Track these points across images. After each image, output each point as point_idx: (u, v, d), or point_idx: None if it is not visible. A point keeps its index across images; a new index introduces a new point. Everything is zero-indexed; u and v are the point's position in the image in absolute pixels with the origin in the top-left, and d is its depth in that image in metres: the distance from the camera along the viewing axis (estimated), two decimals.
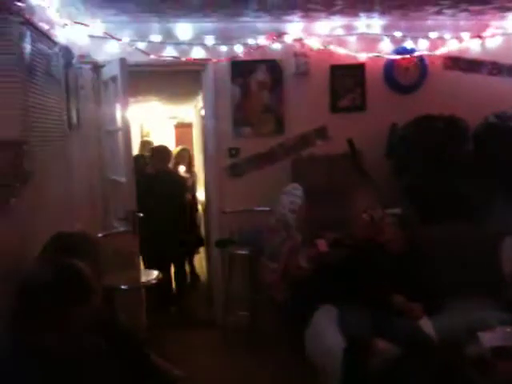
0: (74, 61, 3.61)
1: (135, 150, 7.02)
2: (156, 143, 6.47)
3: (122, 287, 3.29)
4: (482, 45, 4.83)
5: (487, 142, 4.19)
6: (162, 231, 4.91)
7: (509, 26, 4.78)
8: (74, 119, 3.64)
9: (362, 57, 4.65)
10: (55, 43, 3.27)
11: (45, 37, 3.06)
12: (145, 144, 6.73)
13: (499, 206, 3.90)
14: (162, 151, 5.40)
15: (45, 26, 3.07)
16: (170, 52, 4.35)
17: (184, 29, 4.35)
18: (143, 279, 3.53)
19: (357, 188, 4.54)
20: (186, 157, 6.13)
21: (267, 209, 4.35)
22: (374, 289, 3.36)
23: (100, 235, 3.50)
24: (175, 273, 5.36)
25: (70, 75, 3.55)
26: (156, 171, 5.23)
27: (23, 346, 1.65)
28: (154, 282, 3.45)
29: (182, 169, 5.98)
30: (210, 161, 4.75)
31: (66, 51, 3.43)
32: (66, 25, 3.65)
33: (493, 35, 4.80)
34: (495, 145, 4.10)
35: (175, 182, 5.31)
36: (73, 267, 1.77)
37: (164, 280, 4.34)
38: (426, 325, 3.21)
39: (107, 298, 2.37)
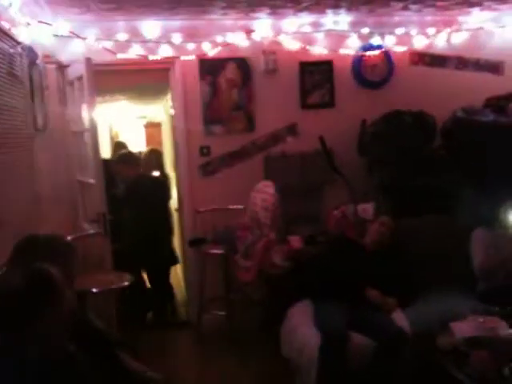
0: (39, 61, 3.53)
1: (107, 152, 6.90)
2: (128, 144, 6.19)
3: (94, 290, 3.22)
4: (448, 40, 4.90)
5: (455, 136, 4.25)
6: (139, 242, 4.65)
7: (474, 21, 4.85)
8: (40, 120, 3.56)
9: (330, 53, 4.67)
10: (18, 43, 3.19)
11: (7, 36, 2.99)
12: (119, 145, 6.18)
13: (469, 199, 3.96)
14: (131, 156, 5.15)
15: (6, 25, 2.99)
16: (136, 50, 4.29)
17: (150, 27, 4.30)
18: (115, 282, 3.47)
19: (329, 184, 4.57)
20: (156, 159, 5.41)
21: (240, 207, 4.34)
22: (348, 284, 3.37)
23: (70, 238, 3.43)
24: (151, 284, 5.07)
25: (35, 75, 3.48)
26: (136, 176, 4.90)
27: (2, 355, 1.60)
28: (125, 284, 3.39)
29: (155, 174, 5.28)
30: (181, 160, 4.71)
31: (30, 51, 3.35)
32: (29, 24, 3.56)
33: (458, 30, 4.87)
34: (463, 139, 4.16)
35: (157, 188, 4.95)
36: (44, 272, 1.71)
37: (136, 285, 4.22)
38: (400, 317, 3.24)
39: (78, 300, 2.32)
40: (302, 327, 3.31)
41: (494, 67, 4.99)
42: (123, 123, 9.78)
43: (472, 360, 2.63)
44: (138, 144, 8.71)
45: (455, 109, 4.29)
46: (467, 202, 3.97)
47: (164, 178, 5.29)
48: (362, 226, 3.96)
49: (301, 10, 4.25)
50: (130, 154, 5.30)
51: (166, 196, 5.11)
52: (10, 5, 3.03)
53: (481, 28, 4.88)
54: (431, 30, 4.81)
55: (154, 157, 5.38)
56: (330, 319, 3.14)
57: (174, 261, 5.23)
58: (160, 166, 5.34)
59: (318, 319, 3.25)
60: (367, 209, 4.21)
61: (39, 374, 1.62)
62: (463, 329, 2.87)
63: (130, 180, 4.87)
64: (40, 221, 3.31)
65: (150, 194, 4.78)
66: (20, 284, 1.65)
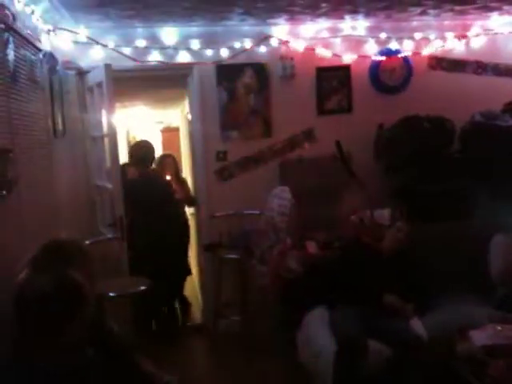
0: (59, 67, 3.58)
1: (122, 157, 6.90)
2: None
3: (111, 294, 3.25)
4: (467, 44, 4.87)
5: (474, 141, 4.22)
6: (146, 248, 4.38)
7: (493, 26, 4.82)
8: (60, 126, 3.61)
9: (348, 58, 4.67)
10: (39, 49, 3.24)
11: (28, 43, 3.04)
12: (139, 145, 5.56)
13: (488, 205, 3.92)
14: (143, 148, 4.83)
15: (28, 33, 3.05)
16: (155, 57, 4.34)
17: (169, 33, 4.34)
18: (132, 286, 3.49)
19: (345, 190, 4.56)
20: (170, 164, 5.17)
21: (256, 212, 4.34)
22: (364, 290, 3.36)
23: (87, 242, 3.46)
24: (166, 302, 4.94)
25: (55, 81, 3.53)
26: (139, 176, 4.70)
27: (23, 360, 1.62)
28: (142, 289, 3.41)
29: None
30: (198, 165, 4.73)
31: (51, 57, 3.40)
32: (50, 31, 3.62)
33: (477, 35, 4.84)
34: (482, 143, 4.12)
35: (160, 190, 4.69)
36: (71, 279, 1.74)
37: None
38: (417, 324, 3.21)
39: (96, 305, 2.34)
40: (318, 333, 3.30)
41: None
42: (140, 128, 9.85)
43: (490, 369, 2.60)
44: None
45: (474, 113, 4.26)
46: (485, 207, 3.93)
47: (180, 184, 5.10)
48: (379, 232, 3.93)
49: (319, 16, 4.26)
50: (146, 142, 5.01)
51: (167, 198, 4.74)
52: (33, 12, 3.09)
53: (500, 32, 4.84)
54: (449, 35, 4.79)
55: (172, 162, 5.23)
56: (347, 325, 3.12)
57: (187, 272, 5.15)
58: (175, 173, 5.17)
59: (334, 325, 3.24)
60: (384, 214, 4.18)
61: (59, 378, 1.64)
62: (481, 337, 2.84)
63: (130, 180, 4.64)
64: (59, 225, 3.35)
65: (147, 194, 4.51)
66: (49, 290, 1.67)
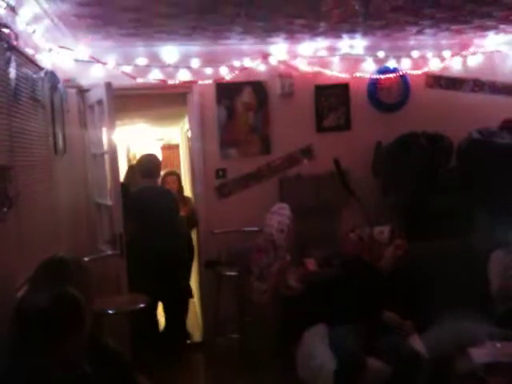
0: (60, 85, 3.62)
1: (122, 174, 6.88)
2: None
3: (110, 312, 3.25)
4: (464, 63, 4.92)
5: (471, 158, 4.24)
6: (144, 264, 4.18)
7: (489, 44, 4.87)
8: (60, 143, 3.64)
9: (346, 77, 4.71)
10: (40, 68, 3.28)
11: (30, 62, 3.08)
12: (133, 169, 5.45)
13: (485, 221, 3.93)
14: (150, 160, 4.72)
15: (30, 51, 3.09)
16: (155, 75, 4.38)
17: (169, 52, 4.39)
18: (130, 304, 3.49)
19: (344, 207, 4.57)
20: (174, 182, 5.11)
21: (255, 229, 4.35)
22: (364, 307, 3.35)
23: (87, 259, 3.47)
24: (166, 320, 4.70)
25: (56, 99, 3.56)
26: (147, 187, 4.54)
27: (23, 377, 1.63)
28: (141, 306, 3.40)
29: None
30: (197, 182, 4.75)
31: (52, 75, 3.44)
32: (52, 49, 3.66)
33: (474, 53, 4.89)
34: (479, 160, 4.15)
35: (168, 202, 4.52)
36: (69, 296, 1.76)
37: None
38: (416, 342, 3.21)
39: (94, 321, 2.34)
40: (317, 350, 3.29)
41: (510, 90, 4.99)
42: (140, 145, 9.89)
43: None
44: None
45: (471, 130, 4.29)
46: (483, 224, 3.94)
47: (184, 202, 4.99)
48: (378, 249, 3.94)
49: (317, 35, 4.30)
50: (153, 156, 4.88)
51: (175, 211, 4.59)
52: (34, 31, 3.13)
53: (496, 51, 4.89)
54: (447, 53, 4.84)
55: (176, 180, 5.16)
56: (346, 343, 3.11)
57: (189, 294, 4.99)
58: (178, 191, 5.09)
59: (333, 343, 3.22)
60: (383, 231, 4.19)
61: None
62: (481, 354, 2.83)
63: (137, 190, 4.57)
64: (59, 241, 3.36)
65: (153, 206, 4.36)
66: (48, 307, 1.69)
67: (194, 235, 5.24)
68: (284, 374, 3.72)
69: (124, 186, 4.31)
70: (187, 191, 5.85)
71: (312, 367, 3.24)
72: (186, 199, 5.20)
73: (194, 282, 5.63)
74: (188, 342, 4.86)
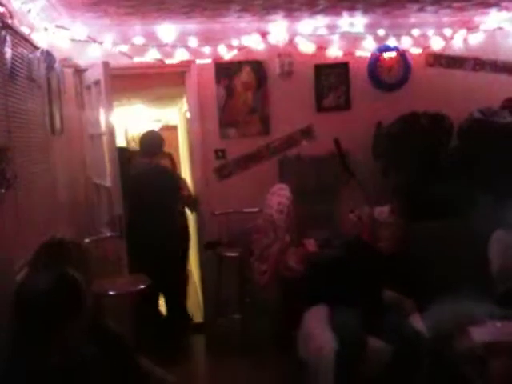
0: (56, 65, 3.56)
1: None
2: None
3: (110, 293, 3.24)
4: (465, 41, 4.86)
5: (473, 138, 4.21)
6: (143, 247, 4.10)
7: (491, 22, 4.81)
8: (57, 124, 3.60)
9: (346, 56, 4.66)
10: (36, 47, 3.23)
11: (26, 41, 3.03)
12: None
13: (485, 202, 3.91)
14: (151, 137, 4.62)
15: (26, 31, 3.03)
16: (153, 54, 4.32)
17: (167, 30, 4.32)
18: (131, 285, 3.48)
19: (344, 188, 4.55)
20: (167, 164, 4.94)
21: (255, 210, 4.34)
22: (364, 287, 3.35)
23: (87, 240, 3.46)
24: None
25: (52, 79, 3.52)
26: (147, 164, 4.47)
27: (23, 360, 1.63)
28: (142, 287, 3.40)
29: None
30: (196, 163, 4.72)
31: (48, 55, 3.39)
32: (47, 29, 3.60)
33: (475, 31, 4.83)
34: (481, 140, 4.12)
35: (166, 183, 4.45)
36: (70, 277, 1.76)
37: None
38: (417, 321, 3.21)
39: (95, 303, 2.34)
40: (318, 331, 3.29)
41: (511, 68, 4.93)
42: (138, 126, 9.83)
43: (490, 365, 2.60)
44: None
45: (472, 110, 4.25)
46: (484, 204, 3.92)
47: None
48: (378, 230, 3.93)
49: (316, 13, 4.24)
50: (155, 133, 4.84)
51: (175, 189, 4.54)
52: (29, 10, 3.07)
53: (498, 29, 4.83)
54: (448, 31, 4.78)
55: (167, 161, 4.98)
56: (347, 323, 3.12)
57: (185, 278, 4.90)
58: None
59: (334, 323, 3.23)
60: (383, 212, 4.17)
61: (57, 376, 1.64)
62: (481, 333, 2.84)
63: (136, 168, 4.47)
64: (58, 223, 3.34)
65: (153, 184, 4.32)
66: (49, 288, 1.68)
67: (191, 216, 5.21)
68: (285, 355, 3.73)
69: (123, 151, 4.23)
70: (187, 173, 5.82)
71: (313, 347, 3.25)
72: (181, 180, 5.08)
73: (194, 263, 5.64)
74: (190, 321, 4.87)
